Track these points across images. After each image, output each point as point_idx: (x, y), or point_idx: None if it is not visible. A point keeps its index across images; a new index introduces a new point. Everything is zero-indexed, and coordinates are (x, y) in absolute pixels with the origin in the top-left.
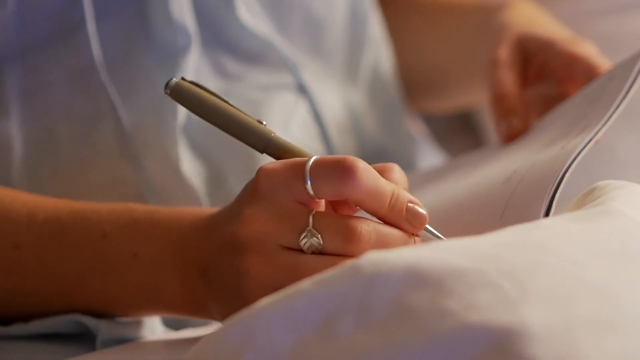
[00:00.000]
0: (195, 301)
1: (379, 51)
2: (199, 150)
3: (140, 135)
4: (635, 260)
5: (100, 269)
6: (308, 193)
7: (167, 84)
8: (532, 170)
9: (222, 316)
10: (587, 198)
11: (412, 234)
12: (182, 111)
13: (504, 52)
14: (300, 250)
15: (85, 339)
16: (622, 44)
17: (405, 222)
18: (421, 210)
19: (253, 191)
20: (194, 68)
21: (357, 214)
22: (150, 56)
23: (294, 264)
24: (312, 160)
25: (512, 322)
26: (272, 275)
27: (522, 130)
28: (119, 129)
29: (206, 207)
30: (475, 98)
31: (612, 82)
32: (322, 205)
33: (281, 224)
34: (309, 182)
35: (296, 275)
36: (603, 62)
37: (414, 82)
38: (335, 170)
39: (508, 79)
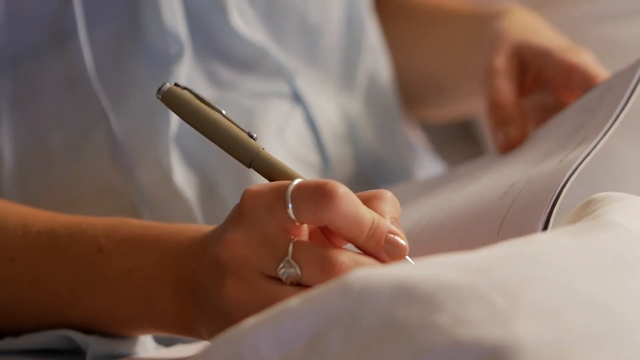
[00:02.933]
0: (187, 320)
1: (376, 58)
2: (192, 160)
3: (132, 145)
4: (631, 272)
5: (95, 284)
6: (290, 218)
7: (159, 89)
8: (530, 184)
9: (209, 336)
10: (584, 211)
11: None
12: (174, 120)
13: (501, 61)
14: (280, 279)
15: (75, 355)
16: (621, 50)
17: (383, 253)
18: (401, 241)
19: (237, 214)
20: (187, 76)
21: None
22: (143, 64)
23: (271, 293)
24: (294, 184)
25: (503, 338)
26: (251, 301)
27: (519, 140)
28: (110, 138)
29: (203, 225)
30: (472, 107)
31: (611, 91)
32: (305, 230)
33: (261, 251)
34: (290, 207)
35: (274, 305)
36: (601, 70)
37: (409, 90)
38: (315, 195)
39: (504, 87)
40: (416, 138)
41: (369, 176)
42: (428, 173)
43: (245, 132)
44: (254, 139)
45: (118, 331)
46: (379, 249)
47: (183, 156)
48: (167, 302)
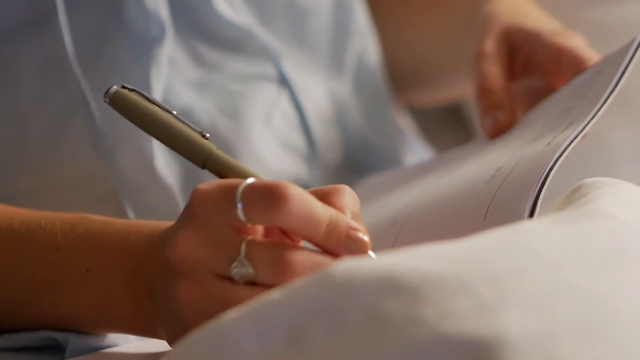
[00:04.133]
0: (145, 321)
1: (365, 41)
2: None
3: (113, 130)
4: (621, 262)
5: (52, 284)
6: (240, 219)
7: (106, 92)
8: (517, 168)
9: (167, 338)
10: (573, 196)
11: None
12: None
13: (490, 44)
14: (233, 280)
15: (54, 350)
16: (612, 33)
17: (344, 250)
18: (362, 236)
19: (187, 213)
20: (169, 57)
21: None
22: (124, 47)
23: (224, 294)
24: (244, 184)
25: (491, 331)
26: (204, 303)
27: (508, 124)
28: (91, 123)
29: (162, 221)
30: (462, 90)
31: (601, 75)
32: (259, 230)
33: (213, 251)
34: (239, 207)
35: (227, 306)
36: (591, 54)
37: (399, 74)
38: (265, 196)
39: (493, 71)
40: (405, 123)
41: (357, 161)
42: (417, 158)
43: (197, 131)
44: (207, 139)
45: (80, 330)
46: (339, 246)
47: None
48: (125, 302)
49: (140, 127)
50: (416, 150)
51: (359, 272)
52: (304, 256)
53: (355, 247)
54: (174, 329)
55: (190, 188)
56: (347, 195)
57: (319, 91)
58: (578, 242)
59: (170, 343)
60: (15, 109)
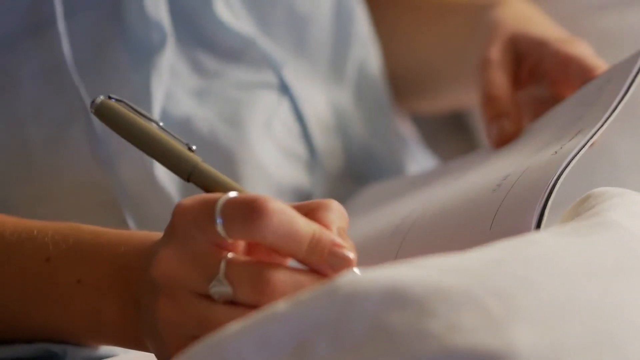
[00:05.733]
0: (133, 333)
1: (366, 49)
2: None
3: (113, 138)
4: (632, 275)
5: (44, 295)
6: (219, 234)
7: (92, 102)
8: (524, 176)
9: (154, 352)
10: (581, 207)
11: None
12: (156, 113)
13: (496, 52)
14: (212, 299)
15: None
16: (620, 40)
17: (327, 267)
18: (346, 253)
19: (169, 230)
20: (170, 65)
21: None
22: (124, 54)
23: (203, 313)
24: (224, 198)
25: (499, 345)
26: (182, 321)
27: (514, 134)
28: (90, 131)
29: (153, 233)
30: (466, 98)
31: (610, 84)
32: (240, 246)
33: (192, 269)
34: (219, 222)
35: (206, 325)
36: (599, 63)
37: (402, 81)
38: (244, 211)
39: (499, 79)
40: (407, 131)
41: (359, 169)
42: (419, 166)
43: (183, 143)
44: (193, 151)
45: (71, 341)
46: (322, 264)
47: None
48: (114, 314)
49: (126, 138)
50: (419, 159)
51: (364, 285)
52: (285, 275)
53: (338, 264)
54: (156, 345)
55: (189, 196)
56: (334, 210)
57: (319, 99)
58: (588, 255)
59: (157, 357)
60: (13, 116)
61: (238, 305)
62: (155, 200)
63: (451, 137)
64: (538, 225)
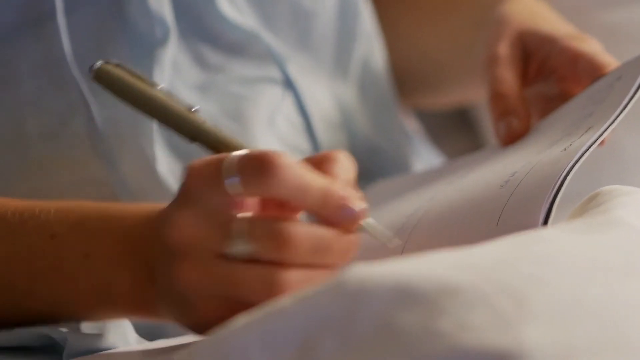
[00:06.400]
0: (146, 302)
1: (371, 44)
2: (177, 149)
3: (114, 133)
4: None
5: (51, 272)
6: (232, 192)
7: (90, 67)
8: (532, 173)
9: (172, 319)
10: (589, 204)
11: (352, 231)
12: None
13: (504, 48)
14: (233, 257)
15: (51, 351)
16: (626, 37)
17: (340, 219)
18: (355, 205)
19: (182, 192)
20: (172, 60)
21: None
22: (126, 48)
23: (227, 273)
24: (234, 155)
25: (510, 345)
26: (206, 283)
27: (523, 131)
28: (91, 125)
29: (157, 203)
30: (473, 94)
31: (620, 81)
32: (253, 204)
33: (209, 230)
34: (230, 180)
35: (230, 285)
36: (609, 60)
37: (407, 77)
38: (255, 167)
39: (507, 76)
40: (412, 127)
41: (363, 166)
42: (425, 163)
43: (185, 106)
44: (196, 112)
45: (78, 318)
46: (336, 215)
47: (167, 144)
48: (126, 285)
49: (127, 102)
50: (424, 155)
51: (372, 281)
52: (304, 228)
53: (348, 216)
54: (178, 309)
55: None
56: (342, 161)
57: (324, 95)
58: (598, 253)
59: (176, 322)
60: (12, 110)
61: (259, 261)
62: (157, 195)
63: (456, 133)
64: (545, 222)
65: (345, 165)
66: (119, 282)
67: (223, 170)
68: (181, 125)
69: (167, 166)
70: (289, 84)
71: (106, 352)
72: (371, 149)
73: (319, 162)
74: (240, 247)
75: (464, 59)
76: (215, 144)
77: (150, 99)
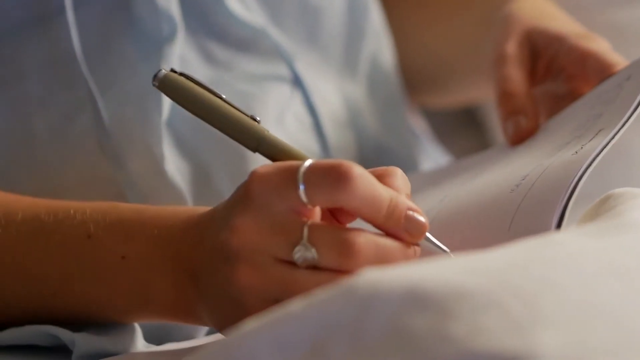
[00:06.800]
0: (186, 305)
1: (380, 42)
2: (185, 147)
3: (121, 131)
4: None
5: (86, 272)
6: (301, 201)
7: (155, 76)
8: (543, 177)
9: (214, 322)
10: (601, 207)
11: (413, 244)
12: (166, 104)
13: (512, 47)
14: (294, 264)
15: (60, 352)
16: (634, 36)
17: (404, 231)
18: (421, 218)
19: (245, 197)
20: (180, 56)
21: (355, 223)
22: (133, 45)
23: (286, 278)
24: (305, 164)
25: (522, 348)
26: (265, 287)
27: (531, 130)
28: (98, 123)
29: (194, 207)
30: (480, 94)
31: (630, 81)
32: (317, 213)
33: (274, 236)
34: (301, 189)
35: (289, 290)
36: (617, 59)
37: (414, 76)
38: (330, 176)
39: (516, 75)
40: (418, 125)
41: (371, 165)
42: (432, 162)
43: (248, 115)
44: (258, 122)
45: (112, 319)
46: (399, 228)
47: (175, 143)
48: (164, 287)
49: (190, 110)
50: (431, 154)
51: (383, 285)
52: (368, 239)
53: (414, 229)
54: (226, 313)
55: (200, 192)
56: (399, 178)
57: (332, 93)
58: (611, 256)
59: (216, 327)
60: (19, 108)
61: (321, 269)
62: (165, 195)
63: (463, 132)
64: (558, 227)
65: (404, 180)
66: (157, 285)
67: (297, 178)
68: (245, 134)
69: (175, 165)
70: (297, 81)
71: (115, 357)
72: (379, 148)
73: (379, 175)
74: (304, 254)
75: (471, 58)
76: (279, 153)
77: (215, 109)
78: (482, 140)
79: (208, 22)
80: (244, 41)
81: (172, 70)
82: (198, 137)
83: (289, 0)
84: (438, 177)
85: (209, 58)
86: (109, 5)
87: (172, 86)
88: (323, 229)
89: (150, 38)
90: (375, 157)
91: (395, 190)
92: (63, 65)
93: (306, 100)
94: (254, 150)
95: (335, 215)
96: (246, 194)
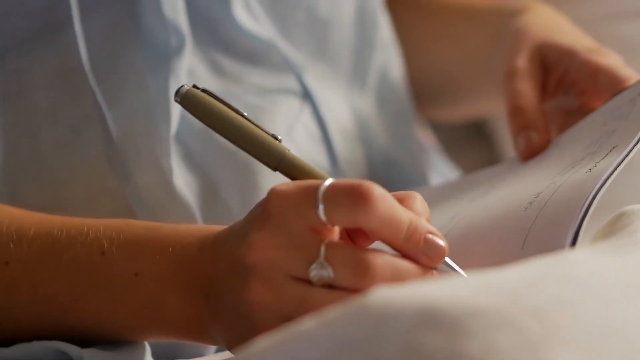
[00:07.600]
0: (198, 324)
1: (389, 55)
2: (193, 161)
3: (129, 144)
4: None
5: (98, 290)
6: (320, 219)
7: (177, 92)
8: (557, 195)
9: (226, 342)
10: (615, 225)
11: (430, 268)
12: (175, 118)
13: (522, 61)
14: (310, 282)
15: None
16: None
17: (422, 254)
18: (440, 242)
19: (263, 214)
20: (188, 69)
21: (374, 245)
22: (141, 57)
23: (301, 296)
24: (325, 184)
25: None
26: (278, 305)
27: (543, 145)
28: (106, 136)
29: (209, 225)
30: (489, 107)
31: None
32: (335, 232)
33: (291, 253)
34: (321, 208)
35: (303, 308)
36: (629, 73)
37: (423, 89)
38: (350, 196)
39: (526, 90)
40: (426, 139)
41: (380, 178)
42: (441, 176)
43: (269, 134)
44: (279, 141)
45: (124, 337)
46: (418, 251)
47: (183, 157)
48: (177, 306)
49: (212, 127)
50: (440, 168)
51: (396, 303)
52: (385, 259)
53: (433, 253)
54: (238, 332)
55: (208, 206)
56: (419, 201)
57: (341, 106)
58: (626, 275)
59: (228, 346)
60: (26, 121)
61: (336, 288)
62: (173, 208)
63: (472, 146)
64: (573, 245)
65: (423, 204)
66: (171, 303)
67: (317, 197)
68: (266, 153)
69: (183, 179)
70: (306, 94)
71: None
72: (388, 162)
73: (400, 199)
74: (320, 272)
75: (479, 72)
76: (299, 173)
77: (237, 126)
78: (490, 154)
79: (216, 35)
80: (252, 54)
81: (194, 86)
82: (207, 151)
83: (298, 12)
84: (448, 192)
85: (217, 71)
86: (116, 16)
87: (194, 102)
88: (340, 248)
89: (158, 50)
90: (384, 170)
91: (416, 213)
92: (71, 78)
93: (315, 114)
94: (274, 169)
95: (354, 239)
96: (264, 210)
